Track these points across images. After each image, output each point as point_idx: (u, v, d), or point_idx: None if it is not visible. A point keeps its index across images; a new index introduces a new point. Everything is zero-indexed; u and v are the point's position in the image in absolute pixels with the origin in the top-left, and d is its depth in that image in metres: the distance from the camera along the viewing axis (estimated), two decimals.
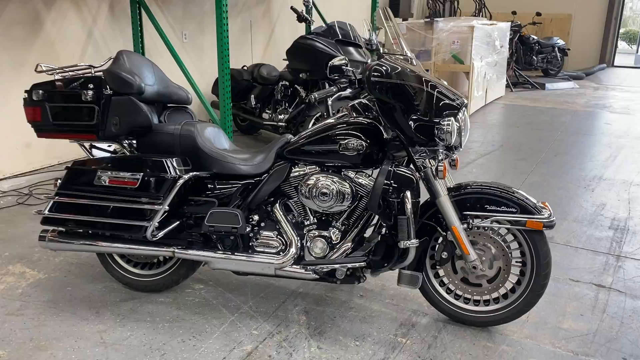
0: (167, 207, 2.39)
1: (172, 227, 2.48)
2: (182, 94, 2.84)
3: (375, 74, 2.21)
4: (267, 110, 5.67)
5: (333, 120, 2.42)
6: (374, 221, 2.46)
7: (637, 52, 15.94)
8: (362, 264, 2.34)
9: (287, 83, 5.49)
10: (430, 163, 2.32)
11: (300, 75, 5.18)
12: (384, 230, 2.35)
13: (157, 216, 2.38)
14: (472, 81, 7.47)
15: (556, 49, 10.98)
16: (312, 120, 4.99)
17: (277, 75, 5.61)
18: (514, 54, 10.37)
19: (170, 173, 2.39)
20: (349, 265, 2.35)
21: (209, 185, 2.54)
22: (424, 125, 2.21)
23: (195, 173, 2.46)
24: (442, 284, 2.53)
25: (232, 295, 2.73)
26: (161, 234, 2.43)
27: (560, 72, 11.29)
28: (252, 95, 5.71)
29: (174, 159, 2.44)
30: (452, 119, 2.20)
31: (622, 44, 15.86)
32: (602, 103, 8.67)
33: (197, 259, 2.54)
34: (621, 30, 13.99)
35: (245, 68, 6.00)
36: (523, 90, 9.91)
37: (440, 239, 2.44)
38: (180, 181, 2.39)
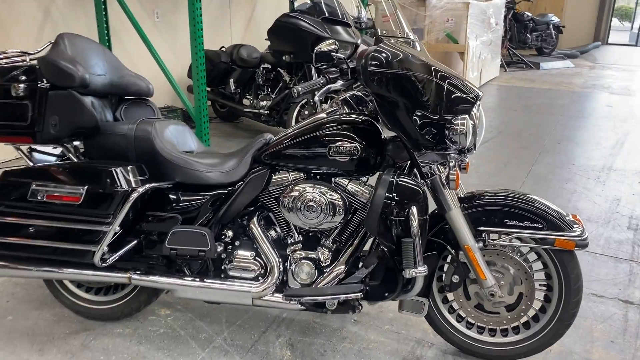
0: (118, 228, 1.96)
1: (126, 249, 2.05)
2: (142, 85, 2.38)
3: (373, 62, 1.77)
4: (247, 96, 5.24)
5: (322, 117, 2.00)
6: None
7: (631, 29, 15.57)
8: (358, 294, 1.93)
9: (270, 66, 5.04)
10: (439, 169, 1.91)
11: (283, 58, 4.73)
12: (383, 249, 1.94)
13: (106, 239, 1.95)
14: (467, 62, 7.04)
15: (551, 26, 10.57)
16: (297, 108, 4.58)
17: (258, 58, 5.16)
18: (507, 31, 9.94)
19: (121, 185, 1.94)
20: (342, 298, 1.94)
21: (171, 197, 2.10)
22: (432, 125, 1.79)
23: (152, 185, 2.01)
24: (451, 309, 2.14)
25: (203, 324, 2.32)
26: (113, 258, 2.01)
27: (555, 50, 10.90)
28: (231, 80, 5.26)
29: (127, 167, 1.99)
30: (467, 116, 1.78)
31: (613, 21, 15.45)
32: (600, 83, 8.30)
33: (158, 287, 2.12)
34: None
35: (223, 49, 5.51)
36: (517, 70, 9.51)
37: (449, 257, 2.04)
38: (134, 195, 1.95)
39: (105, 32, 4.68)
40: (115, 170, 1.95)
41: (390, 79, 1.77)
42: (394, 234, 1.83)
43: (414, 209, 1.81)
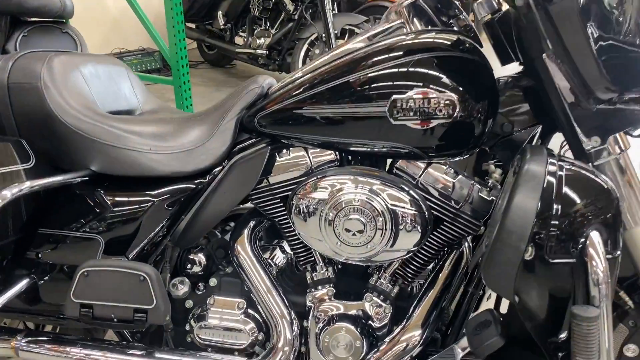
0: None
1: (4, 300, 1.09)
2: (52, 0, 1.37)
3: None
4: (241, 33, 4.40)
5: (367, 38, 1.02)
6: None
7: None
8: None
9: None
10: (614, 147, 0.93)
11: None
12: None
13: None
14: None
15: None
16: (305, 47, 3.73)
17: None
18: None
19: None
20: None
21: (85, 201, 1.11)
22: (617, 54, 0.83)
23: (42, 182, 1.02)
24: None
25: None
26: None
27: None
28: (220, 12, 4.39)
29: None
30: None
31: None
32: None
33: None
34: None
35: None
36: None
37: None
38: None
39: None
40: None
41: None
42: (548, 297, 0.84)
43: (595, 237, 0.81)
